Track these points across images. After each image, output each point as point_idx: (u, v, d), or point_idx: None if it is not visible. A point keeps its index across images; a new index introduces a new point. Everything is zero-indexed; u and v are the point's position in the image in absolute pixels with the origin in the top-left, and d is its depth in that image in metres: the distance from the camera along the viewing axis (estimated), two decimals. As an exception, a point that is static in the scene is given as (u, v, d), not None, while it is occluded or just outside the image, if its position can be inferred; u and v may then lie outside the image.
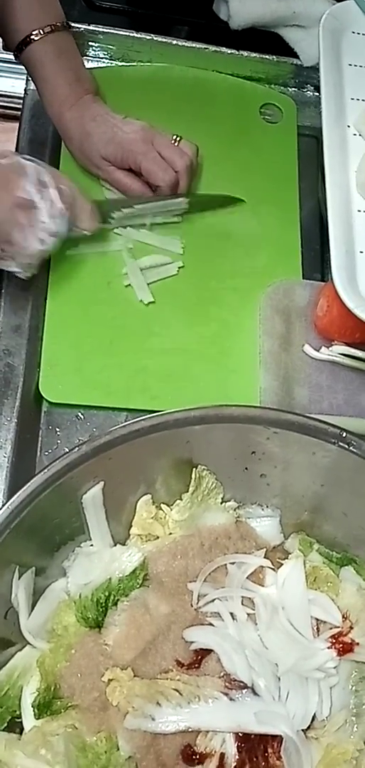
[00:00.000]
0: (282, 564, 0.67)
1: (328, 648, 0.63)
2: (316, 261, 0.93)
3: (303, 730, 0.61)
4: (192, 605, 0.64)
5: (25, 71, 0.90)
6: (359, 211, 0.76)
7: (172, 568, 0.66)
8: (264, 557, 0.67)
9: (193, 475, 0.66)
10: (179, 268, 0.88)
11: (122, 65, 0.99)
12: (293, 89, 1.03)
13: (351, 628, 0.64)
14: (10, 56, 0.88)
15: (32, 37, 0.83)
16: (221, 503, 0.69)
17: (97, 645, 0.62)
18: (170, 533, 0.67)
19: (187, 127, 0.90)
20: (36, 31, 0.83)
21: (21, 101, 0.95)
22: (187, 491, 0.67)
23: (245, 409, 0.64)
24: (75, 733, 0.59)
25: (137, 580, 0.64)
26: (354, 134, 0.80)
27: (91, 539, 0.66)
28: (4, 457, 0.75)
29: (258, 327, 0.84)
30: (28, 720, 0.60)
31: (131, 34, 0.97)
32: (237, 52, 0.99)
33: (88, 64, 0.96)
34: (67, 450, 0.61)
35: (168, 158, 0.85)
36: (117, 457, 0.62)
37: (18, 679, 0.61)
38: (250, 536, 0.68)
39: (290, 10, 0.97)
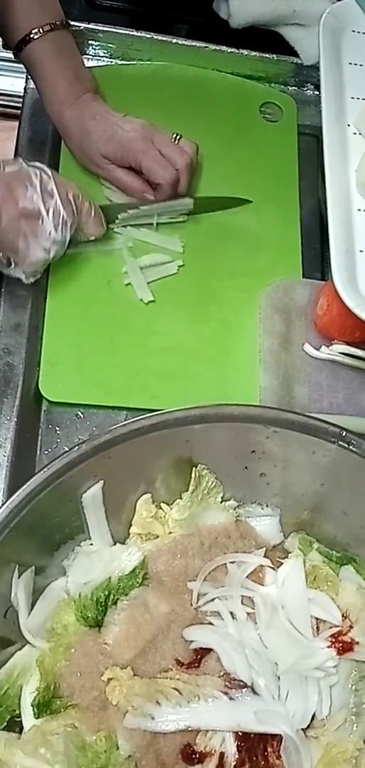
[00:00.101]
0: (282, 563, 0.67)
1: (328, 647, 0.63)
2: (316, 260, 0.93)
3: (302, 729, 0.61)
4: (192, 604, 0.64)
5: (25, 70, 0.90)
6: (359, 210, 0.76)
7: (172, 567, 0.66)
8: (264, 556, 0.67)
9: (193, 474, 0.66)
10: (179, 266, 0.88)
11: (122, 64, 0.99)
12: (293, 88, 1.02)
13: (351, 627, 0.64)
14: (10, 55, 0.88)
15: (32, 35, 0.83)
16: (221, 502, 0.69)
17: (96, 644, 0.62)
18: (170, 532, 0.67)
19: (187, 125, 0.90)
20: (35, 30, 0.83)
21: (21, 100, 0.95)
22: (187, 490, 0.67)
23: (245, 408, 0.64)
24: (74, 732, 0.59)
25: (137, 579, 0.64)
26: (354, 133, 0.80)
27: (90, 538, 0.66)
28: (4, 456, 0.75)
29: (258, 326, 0.84)
30: (28, 719, 0.60)
31: (131, 33, 0.97)
32: (237, 51, 0.99)
33: (88, 63, 0.96)
34: (66, 449, 0.61)
35: (168, 156, 0.85)
36: (117, 456, 0.62)
37: (17, 679, 0.61)
38: (250, 535, 0.68)
39: (290, 9, 0.97)
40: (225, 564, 0.66)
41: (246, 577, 0.65)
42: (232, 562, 0.66)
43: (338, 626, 0.64)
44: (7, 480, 0.74)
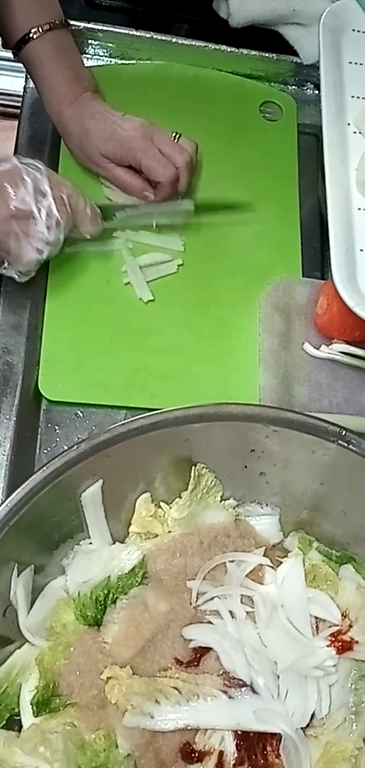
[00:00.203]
0: (281, 562, 0.67)
1: (327, 646, 0.63)
2: (316, 259, 0.93)
3: (302, 728, 0.61)
4: (191, 603, 0.64)
5: (25, 69, 0.90)
6: (359, 209, 0.76)
7: (171, 566, 0.65)
8: (264, 555, 0.67)
9: (192, 473, 0.66)
10: (179, 266, 0.88)
11: (122, 63, 0.99)
12: (293, 87, 1.02)
13: (351, 626, 0.64)
14: (10, 54, 0.88)
15: (31, 35, 0.83)
16: (220, 501, 0.69)
17: (95, 643, 0.62)
18: (169, 531, 0.67)
19: (187, 125, 0.90)
20: (35, 29, 0.83)
21: (20, 99, 0.95)
22: (186, 489, 0.67)
23: (244, 407, 0.64)
24: (74, 730, 0.59)
25: (136, 578, 0.64)
26: (354, 132, 0.79)
27: (90, 537, 0.66)
28: (3, 455, 0.75)
29: (257, 325, 0.84)
30: (27, 718, 0.60)
31: (131, 32, 0.97)
32: (237, 50, 0.99)
33: (88, 62, 0.96)
34: (66, 448, 0.61)
35: (168, 155, 0.85)
36: (116, 455, 0.62)
37: (17, 677, 0.61)
38: (249, 534, 0.68)
39: (290, 8, 0.97)
40: (225, 563, 0.66)
41: (246, 576, 0.65)
42: (232, 561, 0.66)
43: (337, 625, 0.64)
44: (6, 479, 0.74)
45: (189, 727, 0.59)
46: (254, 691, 0.61)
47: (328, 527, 0.69)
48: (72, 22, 0.89)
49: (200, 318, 0.86)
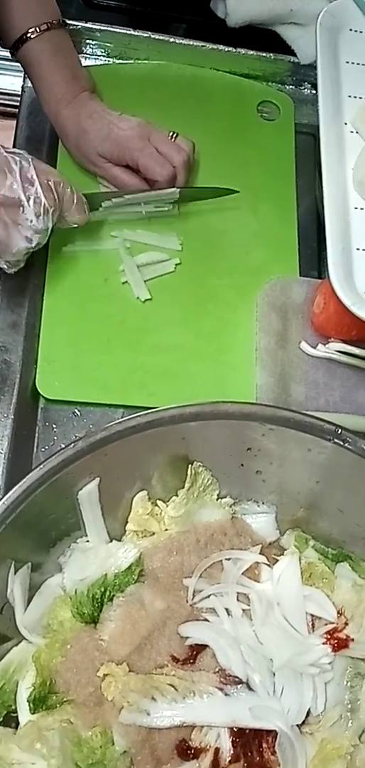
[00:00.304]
0: (277, 560, 0.67)
1: (323, 644, 0.63)
2: (313, 258, 0.94)
3: (297, 725, 0.61)
4: (187, 601, 0.64)
5: (22, 69, 0.90)
6: (356, 208, 0.76)
7: (168, 564, 0.66)
8: (260, 553, 0.67)
9: (189, 472, 0.66)
10: (176, 265, 0.88)
11: (119, 63, 0.99)
12: (290, 87, 1.03)
13: (346, 624, 0.64)
14: (7, 54, 0.88)
15: (29, 34, 0.83)
16: (217, 499, 0.69)
17: (92, 640, 0.62)
18: (166, 529, 0.67)
19: (185, 124, 0.91)
20: (32, 29, 0.83)
21: (18, 99, 0.95)
22: (183, 487, 0.67)
23: (241, 405, 0.64)
24: (70, 727, 0.59)
25: (133, 576, 0.64)
26: (351, 132, 0.79)
27: (86, 535, 0.66)
28: (1, 452, 0.75)
29: (254, 324, 0.84)
30: (24, 714, 0.60)
31: (128, 32, 0.97)
32: (234, 50, 0.99)
33: (85, 62, 0.96)
34: (63, 446, 0.61)
35: (165, 154, 0.85)
36: (113, 453, 0.62)
37: (13, 674, 0.61)
38: (246, 532, 0.69)
39: (287, 8, 0.97)
40: (221, 561, 0.66)
41: (242, 573, 0.65)
42: (228, 559, 0.66)
43: (333, 623, 0.64)
44: (4, 477, 0.74)
45: (185, 724, 0.59)
46: (250, 689, 0.62)
47: (324, 525, 0.70)
48: (69, 22, 0.90)
49: (197, 317, 0.86)
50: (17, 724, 0.60)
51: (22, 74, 0.94)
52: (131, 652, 0.62)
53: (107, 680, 0.60)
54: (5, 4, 0.83)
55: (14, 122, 0.94)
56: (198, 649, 0.63)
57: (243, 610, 0.64)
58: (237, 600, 0.64)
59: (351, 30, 0.85)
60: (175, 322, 0.85)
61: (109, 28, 0.97)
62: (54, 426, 0.80)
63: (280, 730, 0.60)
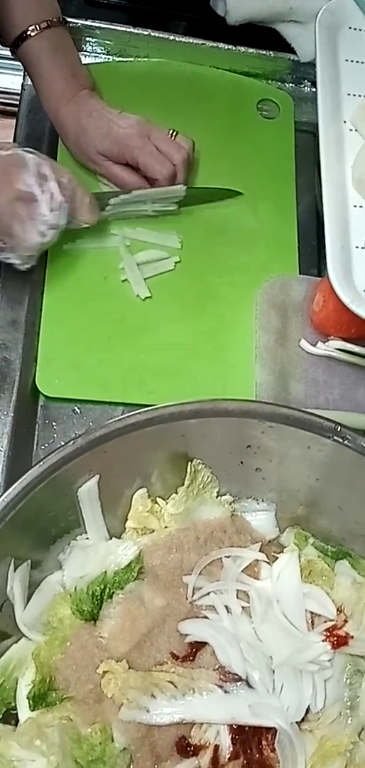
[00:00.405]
0: (277, 558, 0.67)
1: (323, 641, 0.63)
2: (313, 256, 0.94)
3: (297, 722, 0.61)
4: (187, 598, 0.64)
5: (22, 67, 0.90)
6: (355, 206, 0.76)
7: (168, 562, 0.66)
8: (260, 551, 0.67)
9: (189, 469, 0.66)
10: (176, 263, 0.88)
11: (119, 61, 0.99)
12: (290, 85, 1.03)
13: (346, 621, 0.64)
14: (7, 52, 0.88)
15: (28, 32, 0.83)
16: (216, 497, 0.69)
17: (92, 637, 0.62)
18: (165, 527, 0.68)
19: (184, 122, 0.90)
20: (32, 27, 0.83)
21: (18, 97, 0.95)
22: (183, 485, 0.67)
23: (240, 403, 0.64)
24: (70, 724, 0.59)
25: (132, 573, 0.64)
26: (351, 130, 0.79)
27: (86, 532, 0.66)
28: (1, 450, 0.75)
29: (254, 322, 0.84)
30: (24, 711, 0.60)
31: (128, 30, 0.97)
32: (234, 48, 0.99)
33: (85, 60, 0.96)
34: (63, 444, 0.61)
35: (165, 152, 0.85)
36: (112, 450, 0.62)
37: (13, 671, 0.61)
38: (246, 530, 0.69)
39: (287, 6, 0.97)
40: (221, 558, 0.66)
41: (242, 571, 0.66)
42: (228, 557, 0.66)
43: (333, 620, 0.64)
44: (3, 474, 0.74)
45: (184, 721, 0.59)
46: (249, 686, 0.62)
47: (324, 523, 0.70)
48: (70, 20, 0.89)
49: (197, 315, 0.86)
50: (17, 721, 0.60)
51: (21, 73, 0.94)
52: (131, 650, 0.62)
53: (107, 677, 0.60)
54: (5, 2, 0.83)
55: (14, 121, 0.94)
56: (198, 646, 0.63)
57: (243, 607, 0.64)
58: (237, 597, 0.64)
59: (350, 28, 0.85)
60: (174, 320, 0.85)
61: (108, 26, 0.97)
62: (54, 423, 0.80)
63: (280, 728, 0.60)
